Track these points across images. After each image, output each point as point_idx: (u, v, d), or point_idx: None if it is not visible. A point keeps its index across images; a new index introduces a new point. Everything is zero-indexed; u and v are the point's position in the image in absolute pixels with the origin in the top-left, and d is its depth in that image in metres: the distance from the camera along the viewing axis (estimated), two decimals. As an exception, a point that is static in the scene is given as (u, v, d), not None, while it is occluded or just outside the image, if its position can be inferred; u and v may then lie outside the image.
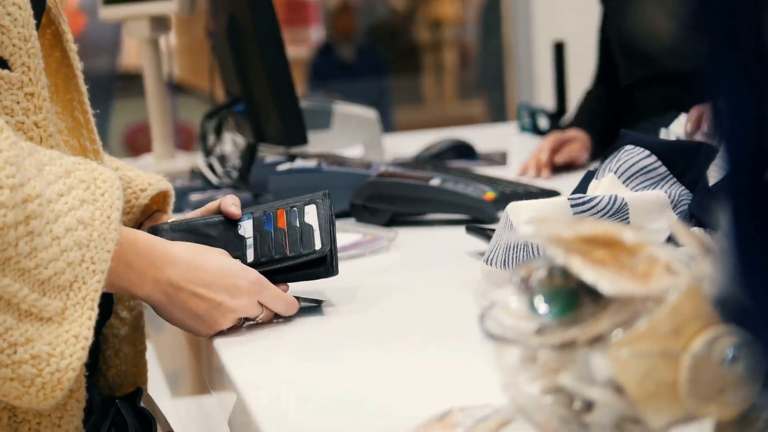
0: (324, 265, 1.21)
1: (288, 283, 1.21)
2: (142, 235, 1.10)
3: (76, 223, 0.99)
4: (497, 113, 4.93)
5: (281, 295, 1.16)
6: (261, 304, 1.15)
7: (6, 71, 1.01)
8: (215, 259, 1.14)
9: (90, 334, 0.98)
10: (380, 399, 0.95)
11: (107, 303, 1.20)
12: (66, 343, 0.97)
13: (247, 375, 1.03)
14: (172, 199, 1.38)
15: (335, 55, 6.20)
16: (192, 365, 1.73)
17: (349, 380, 1.00)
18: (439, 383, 0.97)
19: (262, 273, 1.17)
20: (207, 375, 1.24)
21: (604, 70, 2.32)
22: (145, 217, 1.35)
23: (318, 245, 1.21)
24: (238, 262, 1.17)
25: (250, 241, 1.22)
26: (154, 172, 2.04)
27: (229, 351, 1.10)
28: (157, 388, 1.58)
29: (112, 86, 4.63)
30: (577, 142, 2.16)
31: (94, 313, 0.99)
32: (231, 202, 1.25)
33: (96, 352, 1.19)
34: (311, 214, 1.24)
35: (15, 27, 1.02)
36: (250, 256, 1.21)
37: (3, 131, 0.97)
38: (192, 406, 1.93)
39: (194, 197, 1.78)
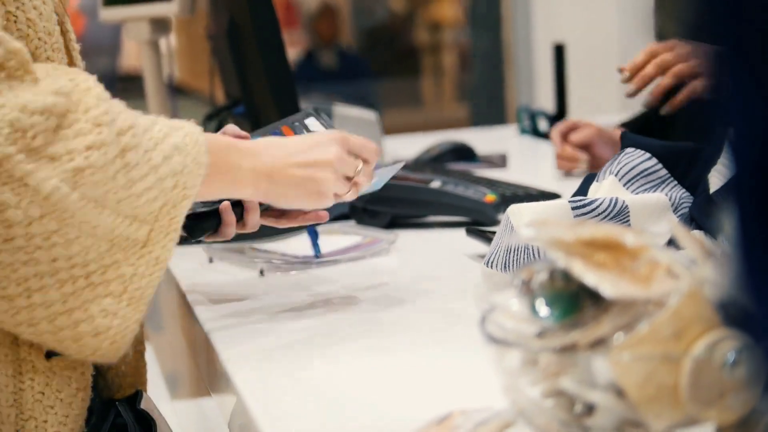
0: None
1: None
2: (222, 138, 1.15)
3: (172, 149, 1.04)
4: (481, 117, 4.91)
5: (365, 141, 1.21)
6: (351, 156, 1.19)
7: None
8: (295, 136, 1.22)
9: (169, 256, 1.04)
10: (381, 402, 0.95)
11: None
12: (147, 264, 1.03)
13: (247, 377, 1.03)
14: None
15: (315, 62, 6.05)
16: (191, 367, 1.73)
17: (350, 383, 1.00)
18: (440, 386, 0.97)
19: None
20: (206, 377, 1.24)
21: None
22: None
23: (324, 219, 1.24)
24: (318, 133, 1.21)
25: None
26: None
27: (229, 353, 1.10)
28: (157, 390, 1.58)
29: (111, 88, 4.64)
30: (586, 127, 2.09)
31: (176, 236, 1.05)
32: (238, 129, 1.26)
33: None
34: (315, 125, 1.29)
35: (41, 21, 1.04)
36: None
37: (81, 72, 1.02)
38: (192, 409, 1.93)
39: (194, 199, 1.78)
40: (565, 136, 2.06)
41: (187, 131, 1.06)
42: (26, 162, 0.94)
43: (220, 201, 1.20)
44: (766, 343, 0.48)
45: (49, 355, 1.05)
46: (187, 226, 1.17)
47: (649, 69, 1.73)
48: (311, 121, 1.29)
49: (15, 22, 1.02)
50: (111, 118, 0.99)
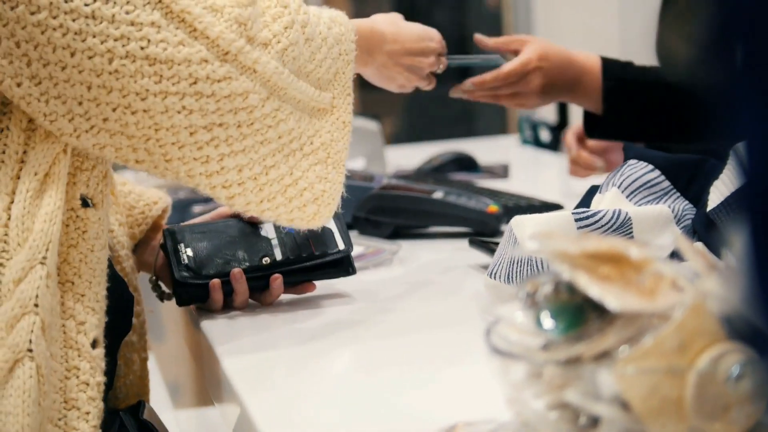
0: (345, 263, 1.31)
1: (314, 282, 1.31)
2: (356, 21, 1.29)
3: (330, 21, 1.21)
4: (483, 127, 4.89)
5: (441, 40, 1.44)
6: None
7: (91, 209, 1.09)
8: (407, 25, 1.37)
9: (351, 119, 1.22)
10: (385, 413, 0.95)
11: (126, 317, 1.21)
12: (338, 130, 1.20)
13: (251, 387, 1.03)
14: (169, 211, 1.43)
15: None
16: (194, 376, 1.73)
17: (354, 394, 1.00)
18: (444, 397, 0.97)
19: (292, 270, 1.27)
20: (210, 387, 1.24)
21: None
22: (148, 228, 1.37)
23: (341, 245, 1.30)
24: (418, 24, 1.40)
25: (275, 241, 1.30)
26: (156, 184, 2.05)
27: (232, 362, 1.10)
28: (159, 400, 1.58)
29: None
30: None
31: (351, 98, 1.22)
32: None
33: (113, 363, 1.20)
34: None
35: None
36: (279, 254, 1.28)
37: None
38: (194, 418, 1.93)
39: (197, 209, 1.79)
40: (581, 141, 1.99)
41: (331, 9, 1.23)
42: (252, 51, 1.08)
43: (211, 277, 1.25)
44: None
45: (95, 345, 1.06)
46: (176, 292, 1.21)
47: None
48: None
49: None
50: (285, 1, 1.14)
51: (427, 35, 1.38)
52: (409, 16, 1.37)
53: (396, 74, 1.36)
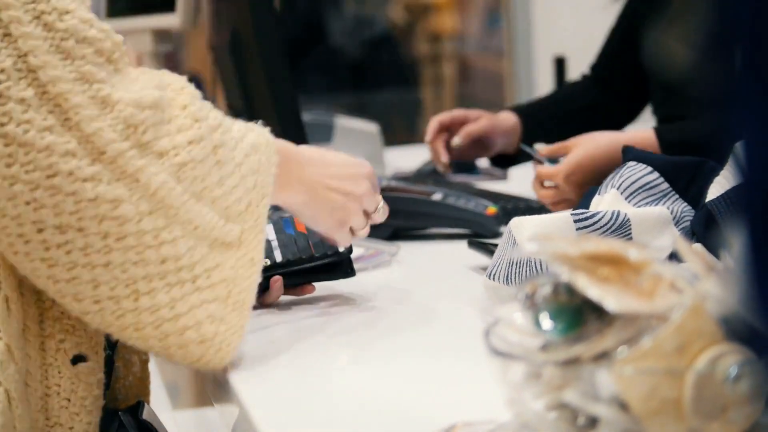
0: (345, 266, 1.30)
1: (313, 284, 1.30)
2: (284, 142, 1.16)
3: (250, 148, 1.07)
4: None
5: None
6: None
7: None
8: (334, 153, 1.22)
9: (262, 256, 1.08)
10: (384, 413, 0.95)
11: None
12: (243, 267, 1.05)
13: (250, 387, 1.04)
14: None
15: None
16: (194, 377, 1.73)
17: (353, 394, 1.01)
18: (443, 398, 0.98)
19: (292, 272, 1.26)
20: (209, 387, 1.24)
21: (612, 74, 2.12)
22: None
23: (341, 247, 1.28)
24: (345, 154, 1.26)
25: (275, 243, 1.29)
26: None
27: (231, 363, 1.10)
28: (158, 400, 1.58)
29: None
30: (483, 120, 1.95)
31: (264, 236, 1.08)
32: None
33: (111, 364, 1.20)
34: None
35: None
36: (278, 256, 1.27)
37: (176, 76, 1.06)
38: (193, 419, 1.93)
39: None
40: (444, 130, 2.00)
41: (258, 132, 1.10)
42: (138, 157, 0.97)
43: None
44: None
45: (75, 361, 1.06)
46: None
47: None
48: None
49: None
50: (204, 115, 1.03)
51: (356, 161, 1.22)
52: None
53: (330, 200, 1.17)
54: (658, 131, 1.59)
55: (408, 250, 1.57)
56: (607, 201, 1.27)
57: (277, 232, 1.31)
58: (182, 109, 1.01)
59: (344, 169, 1.19)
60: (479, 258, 1.44)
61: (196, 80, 1.08)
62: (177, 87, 1.03)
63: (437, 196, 1.68)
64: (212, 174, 1.02)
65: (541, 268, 1.15)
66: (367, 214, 1.22)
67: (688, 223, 1.23)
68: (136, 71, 1.02)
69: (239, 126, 1.08)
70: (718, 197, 1.18)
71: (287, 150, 1.14)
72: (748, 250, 0.47)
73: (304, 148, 1.19)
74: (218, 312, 1.02)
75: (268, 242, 1.28)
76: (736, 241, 0.48)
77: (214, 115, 1.04)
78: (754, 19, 0.42)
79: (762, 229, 0.46)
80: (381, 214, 1.24)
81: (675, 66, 1.91)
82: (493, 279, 1.21)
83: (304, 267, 1.28)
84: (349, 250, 1.30)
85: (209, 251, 1.03)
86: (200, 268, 1.02)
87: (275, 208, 1.64)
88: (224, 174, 1.03)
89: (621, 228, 1.20)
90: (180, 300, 1.00)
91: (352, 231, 1.22)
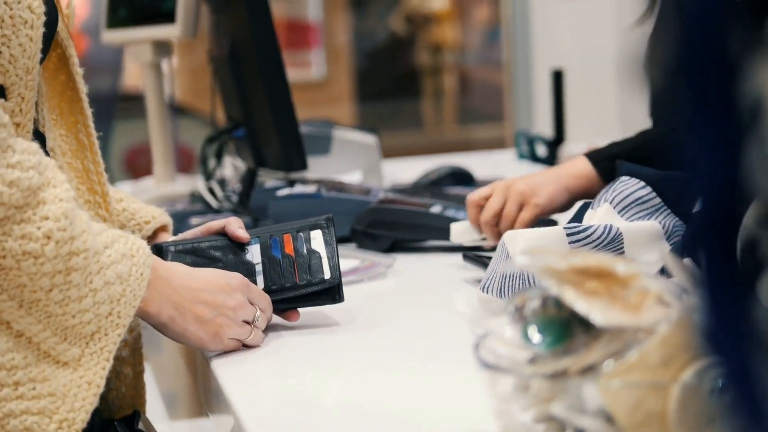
0: (332, 292, 1.26)
1: (298, 309, 1.26)
2: (163, 269, 1.13)
3: (115, 278, 1.05)
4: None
5: (262, 293, 1.21)
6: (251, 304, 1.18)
7: (1, 100, 1.03)
8: (204, 269, 1.19)
9: (102, 383, 1.03)
10: (375, 424, 0.96)
11: None
12: (79, 387, 1.02)
13: (245, 398, 1.04)
14: (170, 230, 1.40)
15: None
16: (190, 388, 1.73)
17: (345, 405, 1.02)
18: (433, 409, 0.98)
19: (273, 301, 1.22)
20: (204, 397, 1.25)
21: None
22: None
23: (327, 275, 1.25)
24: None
25: (259, 267, 1.25)
26: (154, 196, 2.06)
27: (227, 373, 1.11)
28: (154, 410, 1.59)
29: (113, 108, 4.66)
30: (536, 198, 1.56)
31: (109, 364, 1.04)
32: (237, 226, 1.27)
33: None
34: (318, 240, 1.27)
35: (22, 58, 1.05)
36: (260, 282, 1.24)
37: (65, 182, 1.02)
38: (189, 429, 1.94)
39: (195, 221, 1.80)
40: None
41: (135, 261, 1.07)
42: None
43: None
44: (738, 370, 0.49)
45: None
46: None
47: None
48: (316, 235, 1.27)
49: None
50: (69, 236, 1.00)
51: (227, 274, 1.18)
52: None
53: (199, 314, 1.13)
54: (588, 155, 1.56)
55: (404, 262, 1.57)
56: (599, 215, 1.28)
57: (263, 253, 1.26)
58: (41, 220, 0.99)
59: (214, 279, 1.16)
60: (474, 271, 1.45)
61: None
62: (53, 196, 1.01)
63: (436, 209, 1.69)
64: (53, 293, 1.00)
65: (534, 282, 1.16)
66: (247, 323, 1.18)
67: (679, 238, 1.24)
68: (22, 150, 1.00)
69: (115, 252, 1.05)
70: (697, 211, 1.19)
71: (155, 267, 1.11)
72: (705, 277, 0.49)
73: (172, 264, 1.16)
74: (38, 427, 1.00)
75: (251, 266, 1.25)
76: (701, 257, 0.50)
77: (83, 240, 1.02)
78: (705, 50, 0.44)
79: (715, 248, 0.47)
80: (261, 322, 1.19)
81: (654, 77, 1.92)
82: (487, 292, 1.22)
83: (286, 296, 1.24)
84: (337, 278, 1.25)
85: (36, 361, 1.01)
86: (23, 376, 1.00)
87: (270, 224, 1.65)
88: (71, 296, 1.01)
89: (613, 242, 1.21)
90: None
91: (238, 340, 1.17)
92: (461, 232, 1.53)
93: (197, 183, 2.08)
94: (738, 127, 0.44)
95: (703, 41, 0.43)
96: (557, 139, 2.62)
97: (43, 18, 1.07)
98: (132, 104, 4.64)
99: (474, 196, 1.57)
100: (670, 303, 0.74)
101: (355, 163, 2.13)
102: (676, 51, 0.45)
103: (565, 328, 0.75)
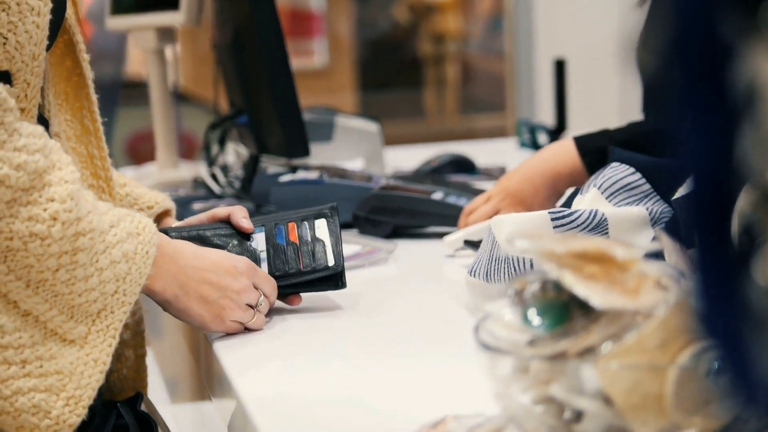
0: (335, 279, 1.27)
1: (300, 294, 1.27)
2: (169, 246, 1.14)
3: (121, 256, 1.06)
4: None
5: (268, 277, 1.22)
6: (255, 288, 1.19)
7: (7, 85, 1.03)
8: (212, 250, 1.20)
9: (108, 360, 1.05)
10: (376, 406, 0.97)
11: None
12: (85, 365, 1.04)
13: (247, 381, 1.05)
14: (174, 215, 1.42)
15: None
16: (192, 371, 1.75)
17: (347, 388, 1.03)
18: (434, 391, 1.00)
19: (278, 286, 1.23)
20: (207, 381, 1.26)
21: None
22: None
23: (331, 261, 1.26)
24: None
25: (263, 255, 1.26)
26: (157, 181, 2.07)
27: (230, 357, 1.12)
28: (157, 394, 1.60)
29: (116, 94, 4.66)
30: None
31: (115, 342, 1.06)
32: (242, 215, 1.27)
33: None
34: (322, 229, 1.29)
35: (29, 45, 1.05)
36: (265, 269, 1.25)
37: (70, 164, 1.03)
38: (191, 413, 1.95)
39: (198, 206, 1.81)
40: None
41: (141, 239, 1.08)
42: None
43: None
44: (732, 353, 0.50)
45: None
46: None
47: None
48: (321, 223, 1.29)
49: (4, 44, 1.03)
50: (75, 217, 1.01)
51: (234, 257, 1.20)
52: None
53: (203, 294, 1.15)
54: (576, 140, 1.58)
55: (405, 247, 1.58)
56: (587, 200, 1.29)
57: (268, 241, 1.27)
58: (47, 201, 1.00)
59: (221, 265, 1.17)
60: (474, 257, 1.46)
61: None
62: (59, 178, 1.02)
63: (438, 195, 1.70)
64: (60, 273, 1.01)
65: (520, 266, 1.17)
66: (251, 308, 1.19)
67: (664, 225, 1.24)
68: (28, 133, 1.01)
69: (120, 230, 1.07)
70: (682, 196, 1.19)
71: (162, 245, 1.12)
72: (697, 261, 0.50)
73: (180, 243, 1.17)
74: (46, 404, 1.01)
75: (256, 253, 1.26)
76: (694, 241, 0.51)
77: (89, 220, 1.03)
78: (697, 36, 0.44)
79: (707, 232, 0.48)
80: (264, 307, 1.20)
81: (647, 69, 1.93)
82: (475, 276, 1.23)
83: (291, 282, 1.26)
84: (340, 264, 1.27)
85: (43, 340, 1.02)
86: (30, 354, 1.01)
87: (273, 210, 1.66)
88: (78, 275, 1.02)
89: (598, 227, 1.22)
90: (3, 381, 1.00)
91: (240, 323, 1.18)
92: (454, 241, 1.54)
93: (200, 169, 2.09)
94: (732, 111, 0.45)
95: (697, 26, 0.44)
96: (559, 128, 2.62)
97: (50, 5, 1.07)
98: (133, 91, 4.64)
99: (469, 207, 1.61)
100: (668, 287, 0.74)
101: (357, 150, 2.14)
102: (669, 36, 0.46)
103: (564, 311, 0.75)
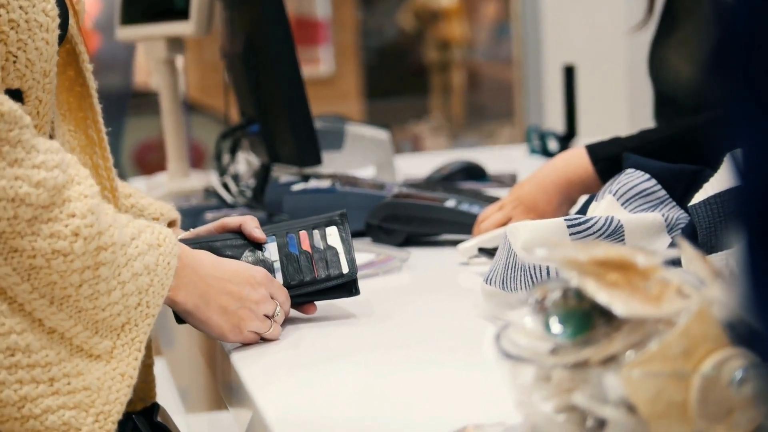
0: (349, 286, 1.27)
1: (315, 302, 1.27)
2: (190, 257, 1.14)
3: (143, 269, 1.06)
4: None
5: (282, 287, 1.22)
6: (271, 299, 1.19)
7: (19, 103, 1.03)
8: (230, 260, 1.20)
9: (135, 374, 1.05)
10: (396, 415, 0.97)
11: None
12: (113, 380, 1.03)
13: (265, 391, 1.05)
14: (179, 225, 1.42)
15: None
16: (207, 381, 1.75)
17: (366, 397, 1.02)
18: (454, 400, 0.99)
19: (292, 295, 1.23)
20: (223, 391, 1.26)
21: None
22: None
23: (345, 269, 1.26)
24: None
25: (277, 265, 1.26)
26: (168, 191, 2.07)
27: (246, 366, 1.12)
28: (170, 404, 1.60)
29: (125, 105, 4.66)
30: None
31: (141, 354, 1.05)
32: (254, 225, 1.27)
33: None
34: (333, 236, 1.29)
35: (39, 61, 1.05)
36: (279, 279, 1.25)
37: (88, 177, 1.03)
38: (206, 422, 1.95)
39: (210, 216, 1.81)
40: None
41: (162, 250, 1.08)
42: None
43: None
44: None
45: None
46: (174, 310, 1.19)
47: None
48: (332, 231, 1.29)
49: (15, 62, 1.03)
50: (96, 231, 1.01)
51: (252, 267, 1.19)
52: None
53: (223, 304, 1.14)
54: (588, 147, 1.58)
55: (418, 256, 1.58)
56: (602, 207, 1.29)
57: (280, 250, 1.27)
58: (68, 217, 1.00)
59: (239, 271, 1.17)
60: (489, 264, 1.46)
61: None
62: (78, 193, 1.02)
63: (451, 203, 1.70)
64: (83, 288, 1.01)
65: (538, 274, 1.17)
66: (268, 318, 1.19)
67: (680, 231, 1.24)
68: (45, 150, 1.00)
69: (141, 242, 1.07)
70: (699, 202, 1.19)
71: (182, 255, 1.12)
72: (746, 255, 0.49)
73: (199, 252, 1.17)
74: (76, 421, 1.01)
75: (270, 263, 1.26)
76: (736, 246, 0.50)
77: (110, 234, 1.03)
78: (754, 34, 0.44)
79: (758, 237, 0.48)
80: (280, 317, 1.20)
81: (672, 78, 1.94)
82: (491, 284, 1.23)
83: (307, 291, 1.26)
84: (354, 271, 1.27)
85: (69, 356, 1.02)
86: (58, 372, 1.01)
87: (285, 219, 1.66)
88: (101, 290, 1.02)
89: (614, 234, 1.21)
90: (33, 401, 1.00)
91: (257, 333, 1.18)
92: (468, 249, 1.54)
93: (211, 178, 2.09)
94: None
95: (743, 33, 0.44)
96: (569, 134, 2.62)
97: (58, 20, 1.07)
98: (141, 101, 4.65)
99: (483, 215, 1.62)
100: (690, 294, 0.74)
101: (368, 158, 2.14)
102: (715, 44, 0.46)
103: (586, 319, 0.75)
